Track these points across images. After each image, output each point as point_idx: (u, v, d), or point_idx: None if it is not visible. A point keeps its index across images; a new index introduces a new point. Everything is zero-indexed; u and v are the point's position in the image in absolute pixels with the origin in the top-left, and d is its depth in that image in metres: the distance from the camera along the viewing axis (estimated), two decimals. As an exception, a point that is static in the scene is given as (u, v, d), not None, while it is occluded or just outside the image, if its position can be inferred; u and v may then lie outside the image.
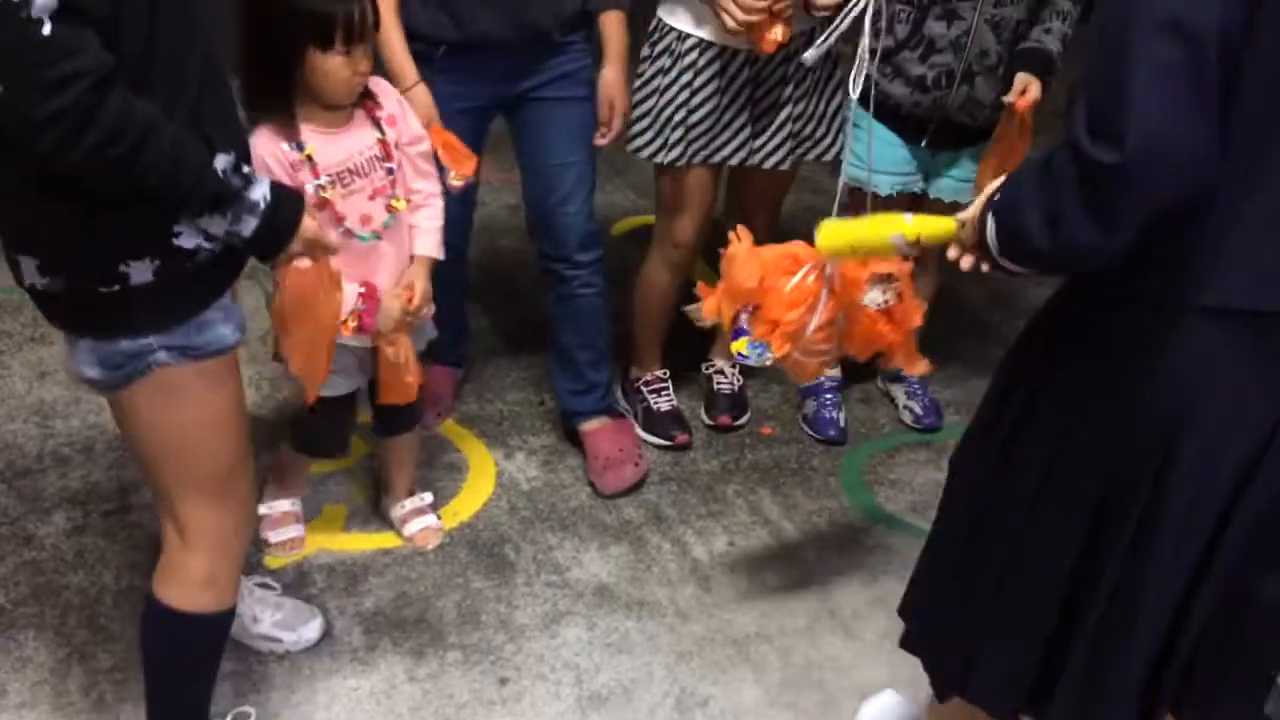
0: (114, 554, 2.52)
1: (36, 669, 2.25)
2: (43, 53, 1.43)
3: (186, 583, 1.84)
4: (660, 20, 2.66)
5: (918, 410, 3.06)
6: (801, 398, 3.07)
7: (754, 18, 2.39)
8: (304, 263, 1.89)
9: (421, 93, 2.41)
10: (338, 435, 2.47)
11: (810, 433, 3.00)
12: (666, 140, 2.65)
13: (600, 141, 2.64)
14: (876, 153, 2.71)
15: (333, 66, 2.08)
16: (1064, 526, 1.61)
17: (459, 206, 2.74)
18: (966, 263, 1.63)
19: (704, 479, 2.85)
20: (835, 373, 3.05)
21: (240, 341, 1.79)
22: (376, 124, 2.22)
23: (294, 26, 2.04)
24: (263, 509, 2.51)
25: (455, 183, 2.36)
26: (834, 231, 1.91)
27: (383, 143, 2.22)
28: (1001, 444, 1.68)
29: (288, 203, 1.73)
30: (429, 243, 2.33)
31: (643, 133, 2.67)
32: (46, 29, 1.42)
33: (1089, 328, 1.57)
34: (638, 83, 2.67)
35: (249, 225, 1.66)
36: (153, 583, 1.86)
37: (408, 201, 2.27)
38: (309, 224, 1.77)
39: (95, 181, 1.53)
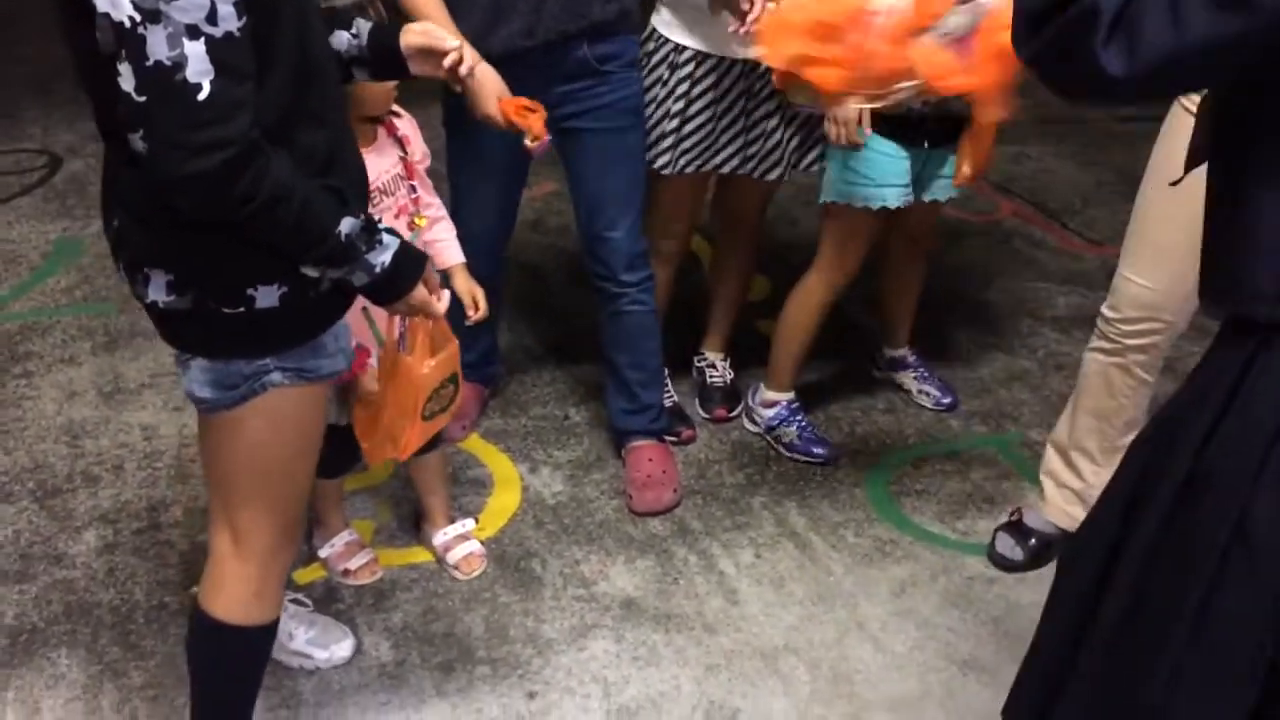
0: (145, 571, 2.54)
1: (69, 686, 2.26)
2: (196, 113, 1.43)
3: (238, 596, 1.84)
4: (654, 30, 2.67)
5: (934, 392, 3.10)
6: (774, 425, 2.97)
7: None
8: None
9: (487, 69, 2.30)
10: (345, 458, 2.38)
11: (802, 459, 2.91)
12: (658, 149, 2.70)
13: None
14: (881, 167, 2.71)
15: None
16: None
17: (498, 224, 2.77)
18: None
19: (729, 491, 2.85)
20: (790, 395, 2.97)
21: (350, 364, 1.81)
22: (398, 142, 2.23)
23: None
24: (324, 550, 2.54)
25: (531, 144, 2.33)
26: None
27: (405, 161, 2.24)
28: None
29: (405, 270, 1.72)
30: (455, 249, 2.40)
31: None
32: (204, 93, 1.42)
33: None
34: None
35: (360, 279, 1.67)
36: (201, 597, 1.86)
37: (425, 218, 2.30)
38: (419, 292, 1.76)
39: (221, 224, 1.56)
